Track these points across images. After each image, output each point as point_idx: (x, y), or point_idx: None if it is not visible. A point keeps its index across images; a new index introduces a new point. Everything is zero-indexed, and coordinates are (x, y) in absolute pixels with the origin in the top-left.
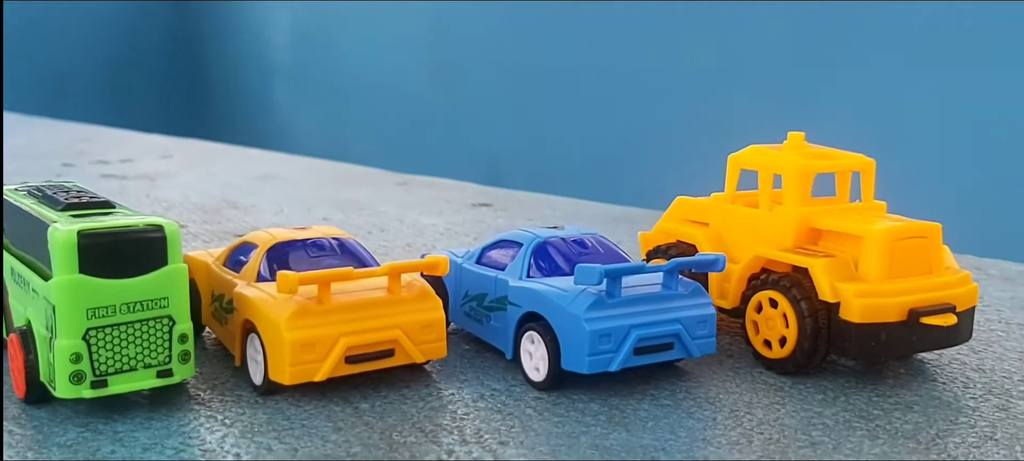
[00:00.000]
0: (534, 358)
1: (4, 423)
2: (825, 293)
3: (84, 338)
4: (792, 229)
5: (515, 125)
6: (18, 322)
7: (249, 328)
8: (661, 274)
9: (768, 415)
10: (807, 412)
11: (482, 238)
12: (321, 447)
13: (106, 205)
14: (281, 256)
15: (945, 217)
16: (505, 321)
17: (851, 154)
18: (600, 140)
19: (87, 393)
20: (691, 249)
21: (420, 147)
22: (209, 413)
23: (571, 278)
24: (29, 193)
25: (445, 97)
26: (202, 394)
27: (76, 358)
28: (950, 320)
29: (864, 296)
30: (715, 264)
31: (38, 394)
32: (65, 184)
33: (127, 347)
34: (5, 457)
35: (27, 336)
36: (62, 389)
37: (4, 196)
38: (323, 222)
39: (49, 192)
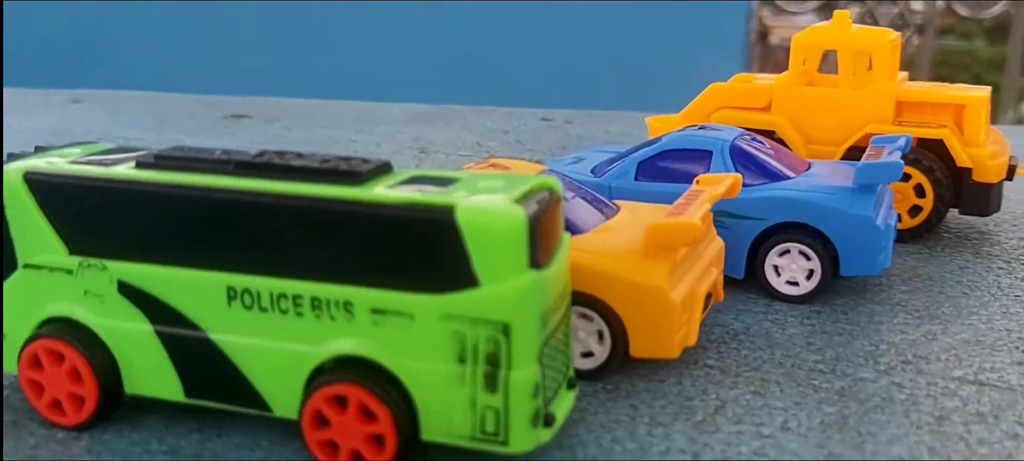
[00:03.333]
0: (786, 272)
1: None
2: (963, 160)
3: (539, 360)
4: (892, 105)
5: None
6: (294, 366)
7: None
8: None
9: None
10: None
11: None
12: (810, 439)
13: (385, 166)
14: None
15: None
16: (727, 238)
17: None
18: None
19: (545, 435)
20: (768, 136)
21: None
22: (610, 415)
23: (790, 180)
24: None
25: None
26: None
27: (536, 391)
28: None
29: (994, 158)
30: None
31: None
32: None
33: (556, 360)
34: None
35: (380, 382)
36: (520, 438)
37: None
38: None
39: (227, 160)
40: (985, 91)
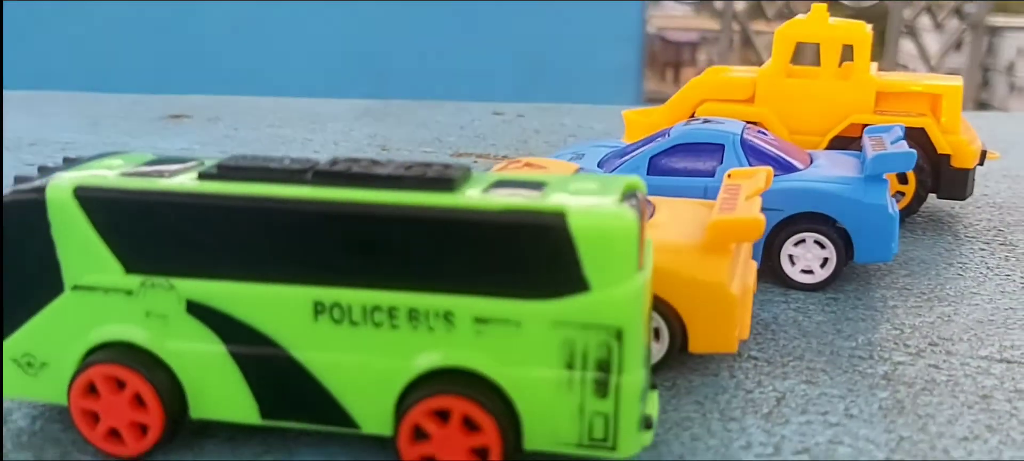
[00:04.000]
0: (801, 261)
1: None
2: (943, 147)
3: (644, 363)
4: (872, 95)
5: None
6: (387, 380)
7: None
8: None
9: (995, 262)
10: None
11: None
12: (877, 424)
13: (467, 171)
14: None
15: None
16: None
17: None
18: None
19: (647, 439)
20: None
21: None
22: (679, 413)
23: (801, 172)
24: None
25: None
26: None
27: (643, 394)
28: (996, 156)
29: (971, 144)
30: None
31: None
32: (203, 159)
33: (647, 362)
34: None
35: (485, 392)
36: (628, 443)
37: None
38: None
39: (307, 169)
40: (958, 80)
